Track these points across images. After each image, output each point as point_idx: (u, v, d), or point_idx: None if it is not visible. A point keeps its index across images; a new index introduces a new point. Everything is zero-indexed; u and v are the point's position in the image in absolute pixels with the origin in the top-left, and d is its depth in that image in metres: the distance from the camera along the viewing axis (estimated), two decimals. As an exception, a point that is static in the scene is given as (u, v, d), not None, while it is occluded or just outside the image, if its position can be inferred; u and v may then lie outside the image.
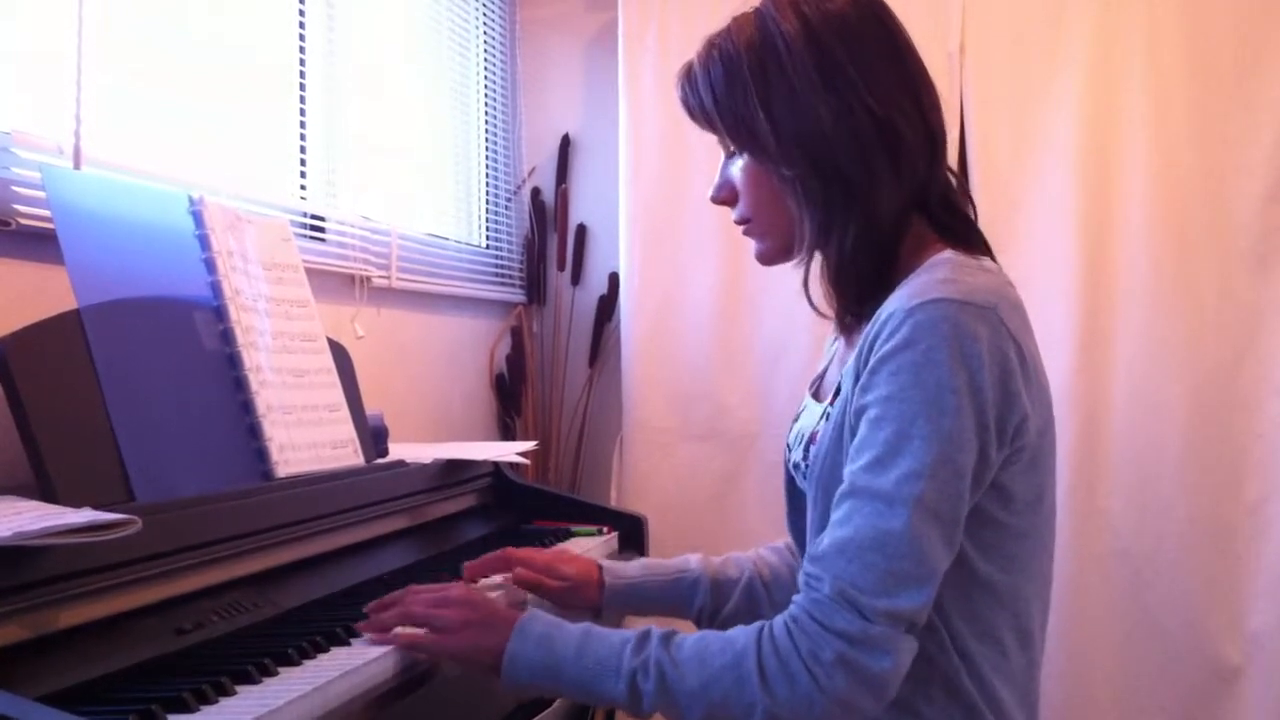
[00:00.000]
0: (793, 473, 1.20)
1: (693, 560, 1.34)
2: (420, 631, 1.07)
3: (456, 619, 1.05)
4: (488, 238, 2.84)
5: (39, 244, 1.34)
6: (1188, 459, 2.32)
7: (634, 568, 1.35)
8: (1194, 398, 2.32)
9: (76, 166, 1.42)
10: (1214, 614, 2.30)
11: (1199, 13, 2.32)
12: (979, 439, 0.97)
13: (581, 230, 2.87)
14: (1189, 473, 2.32)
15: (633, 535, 1.80)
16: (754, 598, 1.31)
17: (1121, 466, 2.35)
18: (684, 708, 0.97)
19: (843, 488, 0.99)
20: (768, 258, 1.16)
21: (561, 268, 2.86)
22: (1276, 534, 2.27)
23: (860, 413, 1.00)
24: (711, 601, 1.31)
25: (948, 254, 1.06)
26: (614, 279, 2.79)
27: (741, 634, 0.98)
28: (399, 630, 1.07)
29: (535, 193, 2.89)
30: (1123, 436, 2.35)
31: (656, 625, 1.03)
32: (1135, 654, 2.35)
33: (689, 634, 1.01)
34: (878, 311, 1.02)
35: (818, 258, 1.14)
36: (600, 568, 1.33)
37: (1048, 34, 2.41)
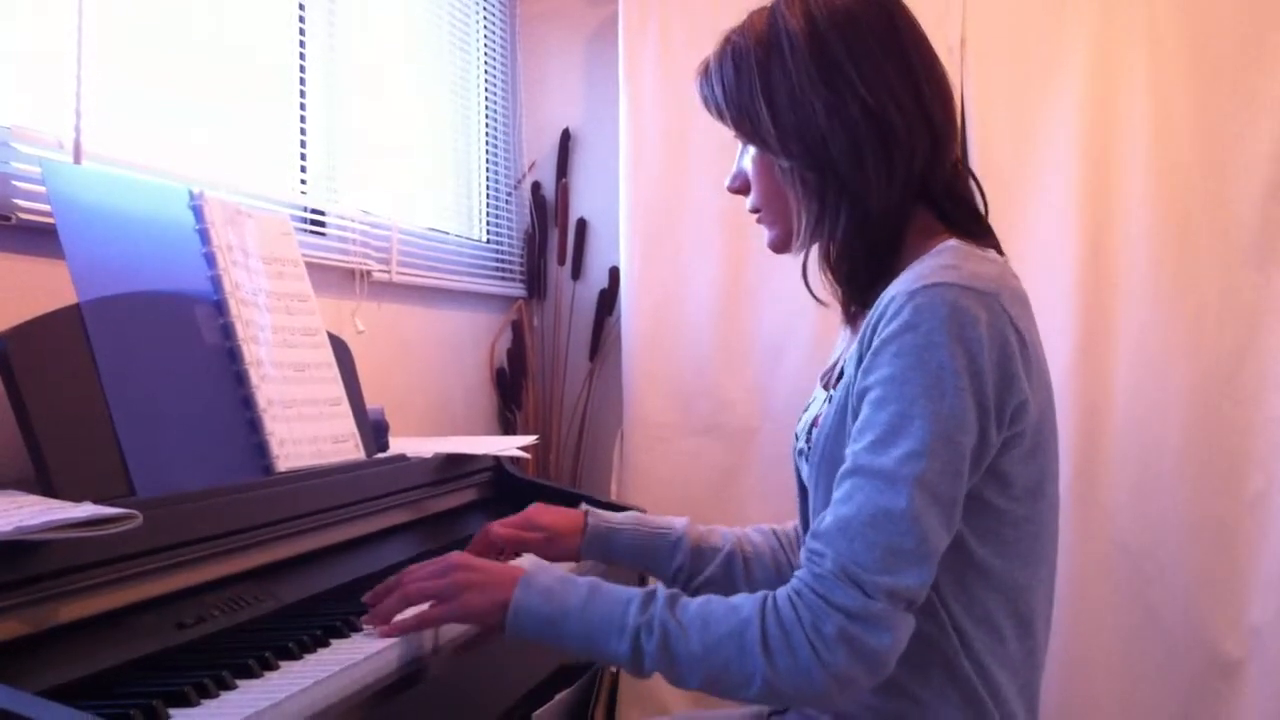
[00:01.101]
0: (798, 460, 1.21)
1: (678, 522, 1.36)
2: (423, 607, 1.08)
3: (458, 582, 1.07)
4: (488, 232, 2.84)
5: (39, 239, 1.34)
6: (1188, 454, 2.32)
7: (620, 516, 1.36)
8: (1195, 393, 2.32)
9: (77, 161, 1.42)
10: (1215, 609, 2.31)
11: (1200, 9, 2.32)
12: (979, 420, 0.98)
13: (582, 225, 2.87)
14: (1190, 468, 2.32)
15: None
16: (731, 570, 1.33)
17: (1122, 462, 2.35)
18: (685, 670, 0.99)
19: (845, 466, 1.00)
20: (776, 246, 1.19)
21: (562, 262, 2.86)
22: (1277, 529, 2.27)
23: (863, 394, 1.01)
24: (690, 564, 1.32)
25: (952, 242, 1.08)
26: (614, 273, 2.79)
27: (746, 602, 1.00)
28: (400, 617, 1.08)
29: (536, 187, 2.89)
30: (1123, 432, 2.35)
31: (662, 587, 1.04)
32: (1136, 649, 2.35)
33: (694, 598, 1.02)
34: (881, 296, 1.04)
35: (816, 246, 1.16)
36: (586, 513, 1.35)
37: (1049, 29, 2.41)
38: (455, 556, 1.11)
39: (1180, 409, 2.32)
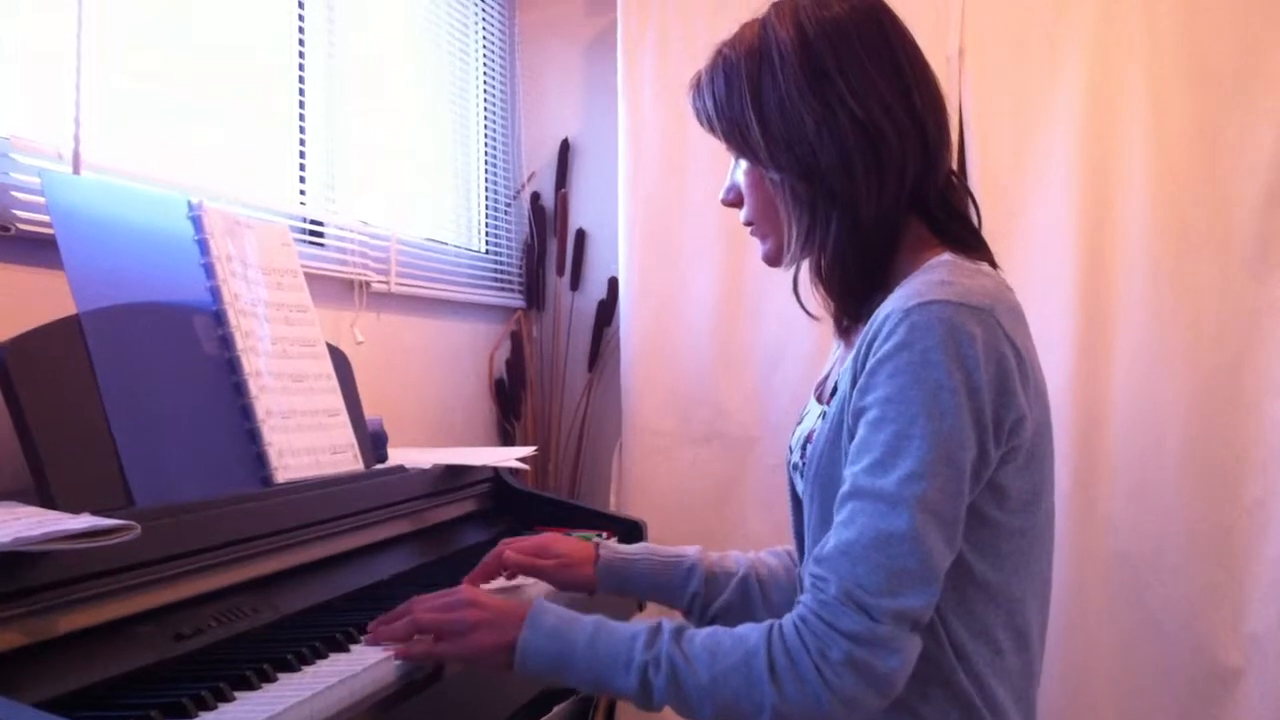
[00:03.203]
0: (792, 474, 1.21)
1: (690, 550, 1.36)
2: (428, 639, 1.08)
3: (467, 620, 1.06)
4: (487, 243, 2.84)
5: (38, 249, 1.34)
6: (1187, 461, 2.32)
7: (632, 548, 1.37)
8: (1193, 400, 2.32)
9: (76, 171, 1.42)
10: (1214, 616, 2.30)
11: (1198, 16, 2.32)
12: (977, 437, 0.98)
13: (581, 235, 2.88)
14: (1188, 475, 2.32)
15: (632, 539, 1.79)
16: (748, 595, 1.32)
17: (1121, 469, 2.35)
18: (694, 703, 0.99)
19: (845, 489, 1.00)
20: (770, 259, 1.19)
21: (561, 272, 2.86)
22: (1276, 535, 2.27)
23: (859, 414, 1.01)
24: (705, 591, 1.32)
25: (946, 257, 1.08)
26: (613, 283, 2.79)
27: (752, 632, 1.00)
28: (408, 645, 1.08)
29: (535, 197, 2.90)
30: (1122, 439, 2.35)
31: (667, 620, 1.04)
32: (1135, 656, 2.34)
33: (699, 630, 1.03)
34: (875, 313, 1.03)
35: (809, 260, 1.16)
36: (597, 545, 1.35)
37: (1047, 38, 2.41)
38: (465, 592, 1.11)
39: (1179, 416, 2.32)
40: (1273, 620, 2.25)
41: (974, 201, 1.17)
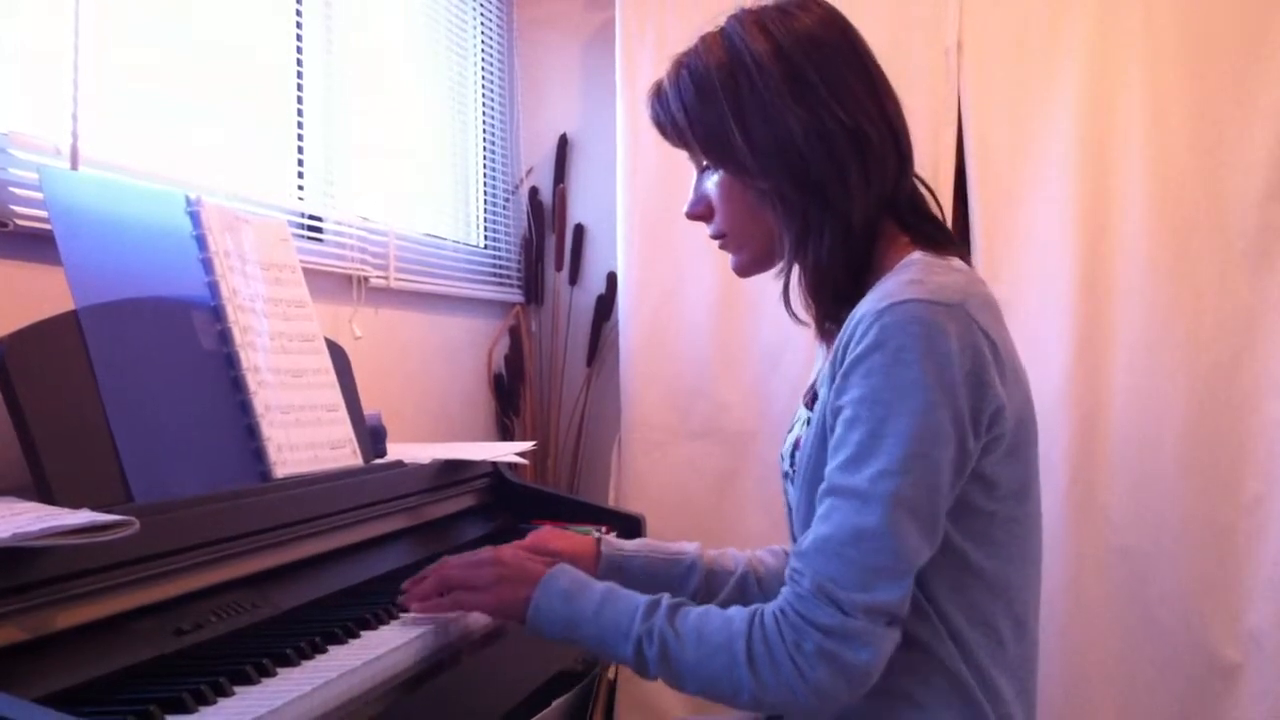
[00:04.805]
0: (784, 483, 1.22)
1: (690, 547, 1.37)
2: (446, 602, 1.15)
3: (489, 576, 1.13)
4: (485, 238, 2.84)
5: (36, 245, 1.34)
6: (1186, 457, 2.32)
7: (633, 544, 1.38)
8: (1192, 396, 2.32)
9: (74, 167, 1.42)
10: (1212, 611, 2.31)
11: (1197, 11, 2.32)
12: (955, 431, 1.00)
13: (579, 230, 2.87)
14: (1187, 471, 2.32)
15: (631, 534, 1.79)
16: (746, 592, 1.34)
17: (1120, 465, 2.36)
18: (681, 678, 1.04)
19: (823, 486, 1.02)
20: (745, 269, 1.21)
21: (559, 267, 2.86)
22: (1274, 532, 2.27)
23: (836, 414, 1.03)
24: (705, 588, 1.34)
25: (917, 255, 1.09)
26: (612, 278, 2.79)
27: (738, 616, 1.03)
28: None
29: (533, 192, 2.89)
30: (1121, 435, 2.35)
31: (668, 596, 1.07)
32: (1134, 652, 2.35)
33: (694, 608, 1.06)
34: (849, 316, 1.05)
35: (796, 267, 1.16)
36: (598, 540, 1.36)
37: (1046, 32, 2.41)
38: (490, 551, 1.18)
39: (1178, 412, 2.32)
40: (1271, 616, 2.26)
41: (938, 200, 1.19)
